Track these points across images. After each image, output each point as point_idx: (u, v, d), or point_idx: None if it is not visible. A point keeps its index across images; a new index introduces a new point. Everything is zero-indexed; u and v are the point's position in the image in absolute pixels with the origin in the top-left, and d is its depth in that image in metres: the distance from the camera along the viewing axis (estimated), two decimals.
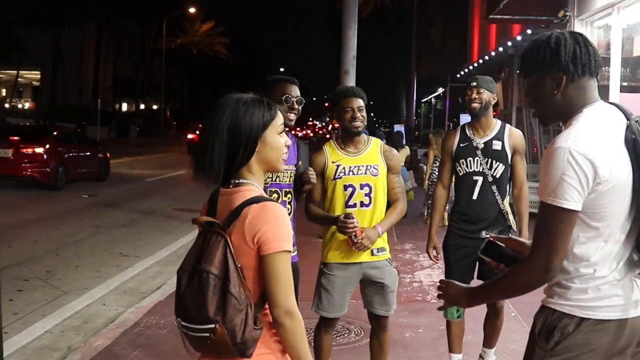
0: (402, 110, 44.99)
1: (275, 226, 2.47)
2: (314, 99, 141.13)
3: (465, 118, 26.84)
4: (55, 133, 19.92)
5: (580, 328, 2.62)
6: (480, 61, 24.40)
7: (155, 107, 70.70)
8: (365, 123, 4.82)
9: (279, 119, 2.65)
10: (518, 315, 6.98)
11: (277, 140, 2.64)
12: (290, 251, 2.49)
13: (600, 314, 2.61)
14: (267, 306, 2.53)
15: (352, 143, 4.84)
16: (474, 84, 5.23)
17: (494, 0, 15.45)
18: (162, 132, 61.70)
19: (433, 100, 56.42)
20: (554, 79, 2.68)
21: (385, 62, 49.03)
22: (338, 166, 4.78)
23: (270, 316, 2.51)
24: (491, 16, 15.31)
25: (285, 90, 4.48)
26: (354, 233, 4.56)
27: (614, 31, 11.20)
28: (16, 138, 18.73)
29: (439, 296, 2.98)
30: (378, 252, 4.77)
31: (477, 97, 5.19)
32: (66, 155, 19.11)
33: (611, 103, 2.75)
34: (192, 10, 64.35)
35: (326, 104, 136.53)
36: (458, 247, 5.29)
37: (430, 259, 5.48)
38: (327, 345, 4.94)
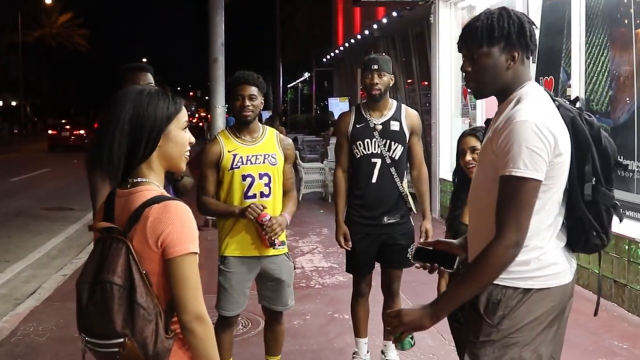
0: (268, 96, 44.93)
1: (180, 227, 2.31)
2: (178, 88, 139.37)
3: (334, 102, 27.15)
4: None
5: (524, 299, 2.70)
6: (346, 44, 24.69)
7: (14, 103, 67.97)
8: (258, 112, 4.67)
9: (184, 114, 2.49)
10: (403, 294, 7.05)
11: (182, 135, 2.47)
12: (197, 252, 2.34)
13: (543, 283, 2.71)
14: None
15: (247, 131, 4.69)
16: (375, 66, 5.01)
17: None
18: (22, 129, 59.40)
19: (299, 85, 56.59)
20: (509, 54, 2.72)
21: (252, 50, 48.78)
22: (235, 155, 4.61)
23: (179, 324, 2.36)
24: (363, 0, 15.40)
25: (136, 79, 4.30)
26: (266, 219, 4.43)
27: (477, 12, 11.41)
28: None
29: (391, 329, 2.79)
30: (279, 246, 4.64)
31: (378, 81, 5.00)
32: None
33: None
34: (48, 1, 62.09)
35: (191, 93, 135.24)
36: (361, 236, 5.15)
37: (341, 247, 5.25)
38: (227, 345, 4.75)
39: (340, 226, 5.22)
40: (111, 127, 2.35)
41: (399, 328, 2.74)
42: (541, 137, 2.55)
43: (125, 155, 2.36)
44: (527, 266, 2.68)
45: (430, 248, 3.10)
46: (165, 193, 2.44)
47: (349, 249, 5.23)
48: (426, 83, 15.98)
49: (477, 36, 2.72)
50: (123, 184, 2.44)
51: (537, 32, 2.79)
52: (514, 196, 2.56)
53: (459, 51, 2.85)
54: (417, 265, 3.11)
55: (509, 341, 2.69)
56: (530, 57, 2.81)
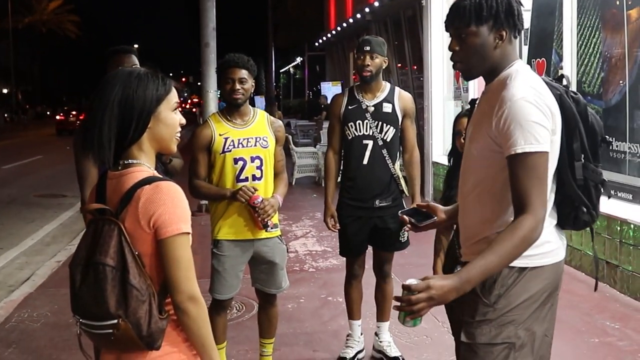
0: (261, 81, 44.84)
1: (172, 207, 2.31)
2: (171, 74, 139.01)
3: (326, 86, 27.11)
4: None
5: (519, 278, 2.72)
6: (338, 29, 24.64)
7: (5, 90, 67.69)
8: (248, 95, 4.65)
9: (174, 95, 2.47)
10: (396, 277, 7.07)
11: (172, 117, 2.46)
12: (189, 232, 2.34)
13: (537, 261, 2.73)
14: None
15: (238, 115, 4.67)
16: (367, 48, 4.98)
17: None
18: (14, 116, 59.15)
19: (292, 70, 56.46)
20: (498, 33, 2.72)
21: (244, 34, 48.67)
22: (226, 139, 4.59)
23: (172, 304, 2.36)
24: None
25: (120, 61, 4.27)
26: (258, 201, 4.44)
27: None
28: None
29: (414, 306, 2.52)
30: (271, 228, 4.64)
31: (370, 63, 4.97)
32: None
33: None
34: None
35: (183, 79, 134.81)
36: (353, 218, 5.15)
37: (329, 228, 5.25)
38: (221, 328, 4.75)
39: (329, 207, 5.23)
40: (100, 110, 2.34)
41: (424, 304, 2.51)
42: (542, 110, 2.58)
43: (115, 138, 2.35)
44: None
45: (424, 210, 3.19)
46: (156, 174, 2.44)
47: (336, 230, 5.25)
48: (417, 67, 15.96)
49: (465, 15, 2.71)
50: (114, 166, 2.42)
51: (524, 12, 2.79)
52: (534, 172, 2.56)
53: (446, 30, 2.84)
54: (400, 216, 3.21)
55: (505, 319, 2.71)
56: (518, 37, 2.81)
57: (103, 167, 2.46)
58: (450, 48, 2.82)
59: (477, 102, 2.96)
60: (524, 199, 2.57)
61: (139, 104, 2.37)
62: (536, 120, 2.56)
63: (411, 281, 2.55)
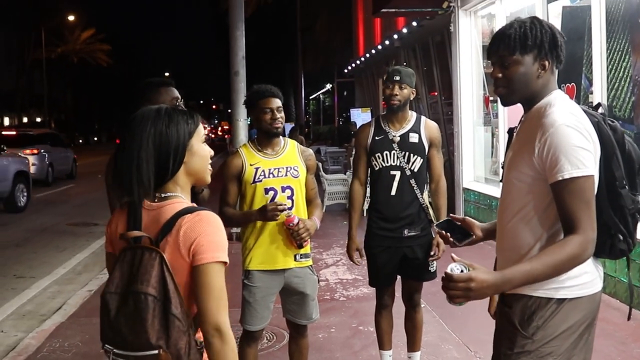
0: (291, 108, 45.05)
1: (212, 235, 2.33)
2: (201, 102, 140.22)
3: (356, 113, 27.15)
4: None
5: (557, 309, 2.73)
6: (367, 55, 24.69)
7: (38, 119, 68.55)
8: (283, 124, 4.69)
9: (201, 127, 2.52)
10: (427, 305, 7.03)
11: (203, 148, 2.50)
12: (225, 262, 2.34)
13: (575, 292, 2.73)
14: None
15: (269, 145, 4.69)
16: (397, 78, 4.99)
17: None
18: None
19: (321, 96, 56.66)
20: (541, 63, 2.75)
21: (274, 62, 48.93)
22: (257, 169, 4.61)
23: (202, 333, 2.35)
24: (382, 10, 15.39)
25: (160, 94, 4.14)
26: (294, 224, 4.44)
27: (497, 20, 11.47)
28: None
29: (456, 294, 2.56)
30: (302, 258, 4.65)
31: (398, 93, 4.98)
32: None
33: None
34: (71, 18, 62.71)
35: (214, 107, 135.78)
36: (382, 249, 5.12)
37: (352, 261, 5.26)
38: (252, 359, 4.74)
39: (353, 240, 5.22)
40: (135, 149, 2.36)
41: (461, 293, 2.54)
42: (584, 135, 2.60)
43: (154, 175, 2.37)
44: (560, 276, 2.67)
45: (458, 223, 3.19)
46: (195, 205, 2.45)
47: (358, 264, 5.27)
48: (446, 93, 15.94)
49: (510, 43, 2.75)
50: (149, 198, 2.44)
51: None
52: (581, 195, 2.57)
53: (488, 58, 2.88)
54: (437, 230, 3.22)
55: (544, 351, 2.71)
56: (559, 67, 2.83)
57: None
58: (492, 75, 2.85)
59: (515, 130, 2.96)
60: (574, 222, 2.57)
61: (174, 139, 2.40)
62: (580, 144, 2.57)
63: (455, 268, 2.57)
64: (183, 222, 2.34)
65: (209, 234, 2.32)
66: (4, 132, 26.36)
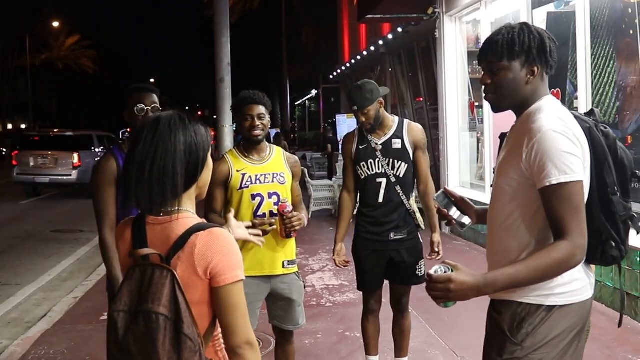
0: (276, 114, 45.09)
1: (229, 254, 2.28)
2: (187, 108, 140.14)
3: (341, 119, 27.17)
4: None
5: (547, 316, 2.71)
6: (353, 61, 24.76)
7: (23, 126, 68.23)
8: (267, 131, 4.66)
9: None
10: (414, 311, 7.02)
11: (211, 160, 2.45)
12: (244, 279, 2.31)
13: (565, 299, 2.72)
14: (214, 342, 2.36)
15: (255, 151, 4.68)
16: (355, 108, 4.98)
17: (366, 1, 15.61)
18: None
19: (307, 102, 56.69)
20: (530, 69, 2.75)
21: (259, 67, 48.93)
22: (244, 175, 4.60)
23: (225, 348, 2.33)
24: (368, 16, 15.43)
25: (141, 99, 4.25)
26: (288, 210, 4.45)
27: (482, 26, 11.52)
28: None
29: (437, 294, 2.59)
30: (288, 264, 4.65)
31: (365, 119, 4.97)
32: None
33: None
34: (55, 24, 62.46)
35: (199, 113, 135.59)
36: (369, 252, 5.14)
37: (337, 265, 5.29)
38: None
39: (337, 243, 5.28)
40: (170, 160, 2.28)
41: (442, 295, 2.56)
42: (572, 140, 2.59)
43: (183, 187, 2.32)
44: (550, 283, 2.67)
45: (453, 199, 3.23)
46: (204, 221, 2.37)
47: (342, 267, 5.32)
48: (431, 98, 15.98)
49: (497, 50, 2.75)
50: (154, 212, 2.36)
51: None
52: (570, 201, 2.56)
53: (479, 64, 2.87)
54: (435, 205, 3.26)
55: (533, 358, 2.70)
56: (550, 73, 2.82)
57: (132, 210, 2.38)
58: (482, 81, 2.85)
59: (506, 136, 2.96)
60: (562, 228, 2.56)
61: (202, 150, 2.36)
62: (567, 150, 2.56)
63: (438, 269, 2.58)
64: (197, 240, 2.27)
65: (226, 253, 2.27)
66: None
